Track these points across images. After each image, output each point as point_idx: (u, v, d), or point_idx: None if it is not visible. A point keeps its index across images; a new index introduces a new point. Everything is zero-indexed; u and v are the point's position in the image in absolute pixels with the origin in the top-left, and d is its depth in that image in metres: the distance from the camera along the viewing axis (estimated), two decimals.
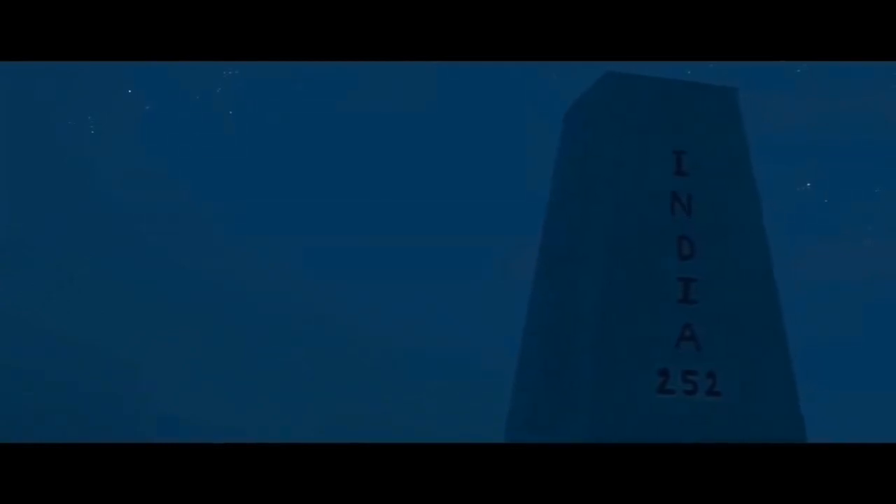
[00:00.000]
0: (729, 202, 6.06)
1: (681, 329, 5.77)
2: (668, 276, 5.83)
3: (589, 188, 6.06)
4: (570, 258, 6.09)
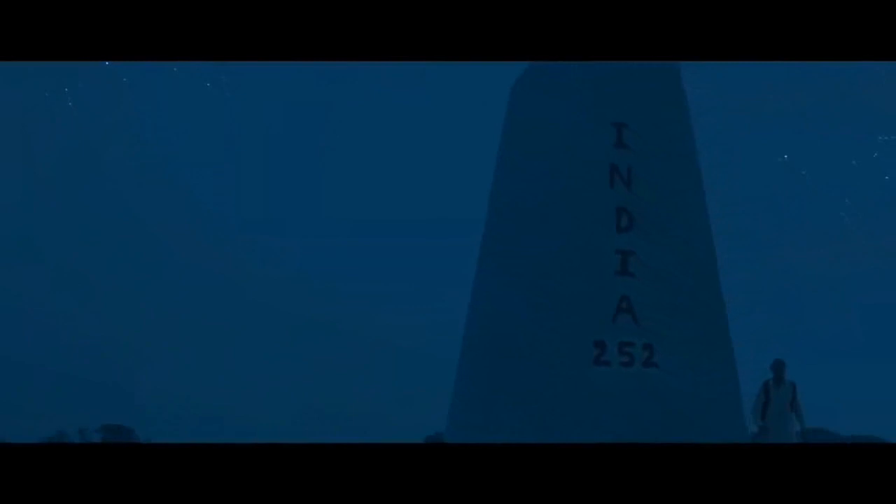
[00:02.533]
0: (670, 175, 6.03)
1: (618, 301, 5.77)
2: (606, 248, 5.82)
3: (525, 159, 6.03)
4: (506, 232, 6.05)
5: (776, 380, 11.53)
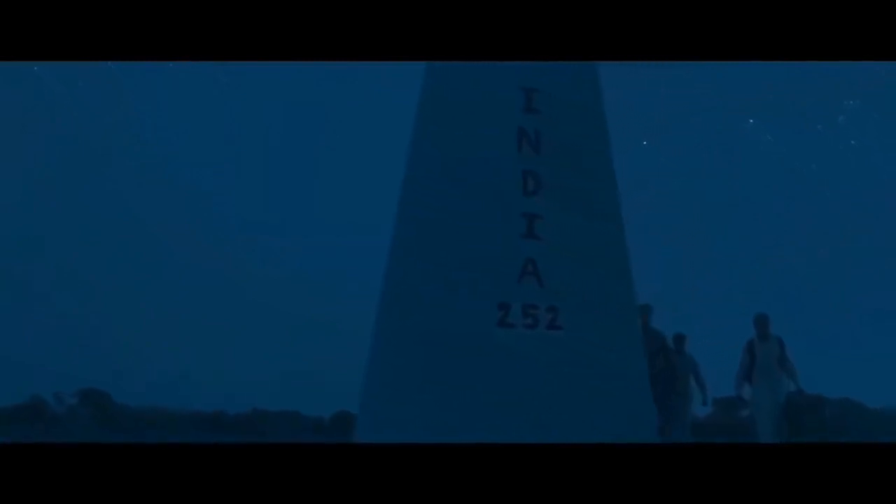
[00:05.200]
0: (580, 140, 6.03)
1: (523, 264, 5.76)
2: (512, 210, 5.81)
3: (434, 122, 6.01)
4: (415, 195, 6.02)
5: (760, 336, 11.27)
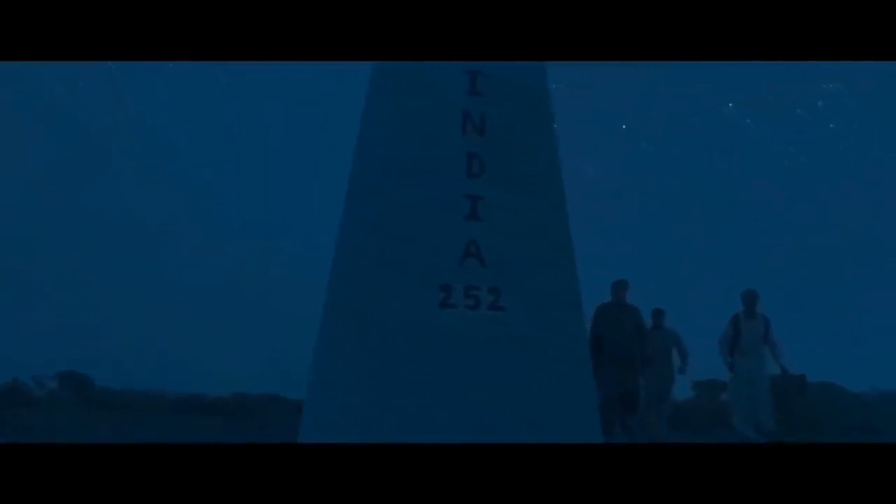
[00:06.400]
0: (524, 123, 6.04)
1: (465, 245, 5.78)
2: (455, 192, 5.83)
3: (380, 105, 6.03)
4: (360, 178, 6.04)
5: (747, 313, 11.20)
